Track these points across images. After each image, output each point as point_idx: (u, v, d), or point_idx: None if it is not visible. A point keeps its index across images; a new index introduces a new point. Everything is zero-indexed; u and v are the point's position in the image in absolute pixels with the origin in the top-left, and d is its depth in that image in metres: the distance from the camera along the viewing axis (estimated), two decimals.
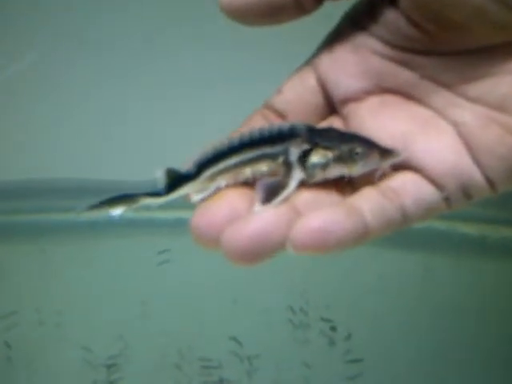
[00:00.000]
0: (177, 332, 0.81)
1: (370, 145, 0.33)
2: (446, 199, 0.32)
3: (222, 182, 0.34)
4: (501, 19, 0.31)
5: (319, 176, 0.33)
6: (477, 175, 0.32)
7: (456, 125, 0.33)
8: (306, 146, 0.33)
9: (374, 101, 0.35)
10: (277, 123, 0.34)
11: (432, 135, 0.33)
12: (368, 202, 0.31)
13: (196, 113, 1.03)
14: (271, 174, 0.33)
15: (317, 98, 0.36)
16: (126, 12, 1.02)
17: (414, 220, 0.32)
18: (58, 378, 0.76)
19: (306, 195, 0.33)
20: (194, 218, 0.31)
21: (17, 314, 0.84)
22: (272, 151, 0.33)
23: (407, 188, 0.32)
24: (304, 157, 0.33)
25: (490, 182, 0.32)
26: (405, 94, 0.34)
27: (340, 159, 0.33)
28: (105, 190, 1.01)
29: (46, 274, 0.92)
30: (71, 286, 0.90)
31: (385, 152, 0.32)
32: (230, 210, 0.32)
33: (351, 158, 0.33)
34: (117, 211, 0.35)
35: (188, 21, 1.01)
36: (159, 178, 0.34)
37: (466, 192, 0.32)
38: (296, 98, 0.36)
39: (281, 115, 0.37)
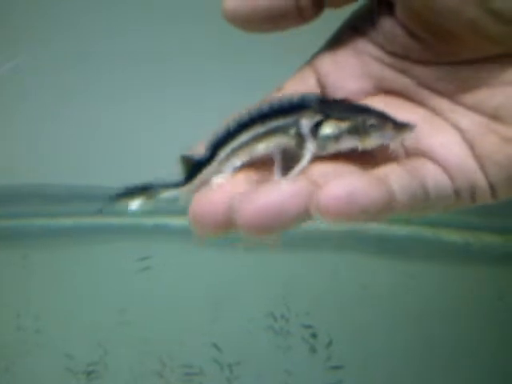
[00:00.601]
0: (157, 339, 0.81)
1: (384, 117, 0.32)
2: (456, 194, 0.32)
3: (236, 160, 0.33)
4: (495, 33, 0.31)
5: (331, 148, 0.32)
6: (481, 178, 0.32)
7: (458, 129, 0.33)
8: (317, 117, 0.32)
9: (374, 101, 0.35)
10: (287, 95, 0.33)
11: (439, 130, 0.33)
12: (394, 175, 0.31)
13: (185, 118, 1.02)
14: (285, 147, 0.32)
15: None
16: (110, 14, 1.02)
17: (432, 204, 0.32)
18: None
19: (323, 167, 0.32)
20: (193, 203, 0.31)
21: None
22: (283, 124, 0.32)
23: (429, 169, 0.32)
24: (316, 129, 0.32)
25: (492, 187, 0.32)
26: (405, 96, 0.35)
27: (353, 131, 0.32)
28: (89, 196, 1.00)
29: (26, 280, 0.92)
30: (52, 292, 0.89)
31: (399, 125, 0.31)
32: (232, 191, 0.31)
33: (364, 129, 0.32)
34: (136, 204, 0.34)
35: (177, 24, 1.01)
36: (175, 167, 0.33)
37: (472, 193, 0.32)
38: None
39: None
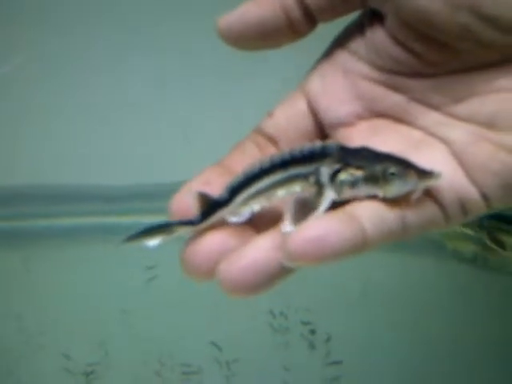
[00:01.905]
0: (157, 338, 0.81)
1: (406, 165, 0.31)
2: (445, 214, 0.32)
3: (255, 205, 0.34)
4: (487, 38, 0.31)
5: (347, 194, 0.32)
6: (472, 191, 0.32)
7: (448, 143, 0.33)
8: (337, 166, 0.32)
9: (364, 125, 0.35)
10: (308, 144, 0.33)
11: (426, 152, 0.33)
12: (368, 210, 0.31)
13: (184, 119, 1.03)
14: (303, 194, 0.33)
15: (308, 123, 0.37)
16: (106, 15, 1.02)
17: (413, 232, 0.32)
18: None
19: None
20: (184, 251, 0.32)
21: None
22: (303, 171, 0.33)
23: (408, 199, 0.32)
24: (335, 177, 0.32)
25: (486, 198, 0.32)
26: (395, 116, 0.35)
27: (372, 179, 0.31)
28: (90, 196, 1.01)
29: (27, 281, 0.92)
30: (53, 294, 0.90)
31: (422, 172, 0.31)
32: (223, 244, 0.32)
33: (384, 178, 0.31)
34: (153, 242, 0.34)
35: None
36: (187, 202, 0.33)
37: (463, 208, 0.32)
38: (286, 122, 0.37)
39: (271, 140, 0.37)
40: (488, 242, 0.90)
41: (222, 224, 0.33)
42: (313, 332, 0.83)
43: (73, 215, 1.04)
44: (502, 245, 0.90)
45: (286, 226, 0.31)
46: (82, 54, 1.02)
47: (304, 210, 0.32)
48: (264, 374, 0.77)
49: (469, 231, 0.91)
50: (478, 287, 0.87)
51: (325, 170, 0.32)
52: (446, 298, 0.85)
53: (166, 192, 0.35)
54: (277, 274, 0.30)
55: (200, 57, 1.01)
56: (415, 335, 0.81)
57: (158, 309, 0.86)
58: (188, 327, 0.83)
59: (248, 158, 0.36)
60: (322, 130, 0.37)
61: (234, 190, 0.33)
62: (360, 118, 0.36)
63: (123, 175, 1.02)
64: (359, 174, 0.32)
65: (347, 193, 0.32)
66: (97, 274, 0.93)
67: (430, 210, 0.32)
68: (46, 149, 1.05)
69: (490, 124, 0.32)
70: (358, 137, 0.35)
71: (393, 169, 0.31)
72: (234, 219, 0.33)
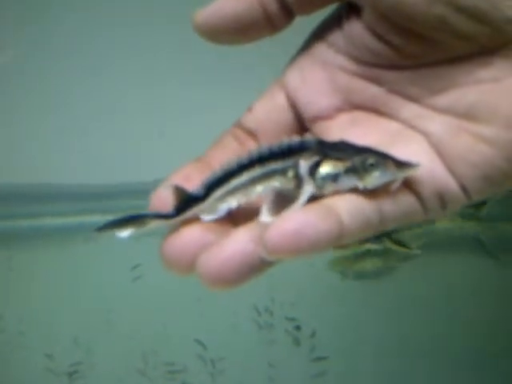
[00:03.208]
0: (141, 337, 0.81)
1: (384, 156, 0.31)
2: (423, 206, 0.32)
3: (232, 201, 0.33)
4: (464, 29, 0.31)
5: (330, 188, 0.31)
6: (451, 183, 0.32)
7: (427, 135, 0.33)
8: (316, 158, 0.32)
9: (344, 118, 0.35)
10: (286, 139, 0.32)
11: (405, 144, 0.33)
12: (346, 202, 0.30)
13: (172, 118, 1.02)
14: (282, 189, 0.32)
15: (287, 117, 0.36)
16: (95, 13, 1.02)
17: (390, 224, 0.31)
18: None
19: None
20: (164, 245, 0.31)
21: None
22: (282, 166, 0.32)
23: (386, 191, 0.31)
24: (314, 170, 0.31)
25: (465, 190, 0.32)
26: (374, 109, 0.34)
27: (352, 171, 0.31)
28: (73, 195, 1.00)
29: (10, 281, 0.91)
30: (36, 294, 0.89)
31: (400, 163, 0.31)
32: (202, 237, 0.31)
33: (364, 169, 0.31)
34: (125, 233, 0.33)
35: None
36: (166, 196, 0.32)
37: (442, 200, 0.32)
38: (266, 116, 0.36)
39: (251, 134, 0.36)
40: (392, 247, 0.90)
41: (198, 220, 0.33)
42: (298, 328, 0.83)
43: (56, 215, 1.04)
44: (404, 244, 0.90)
45: (263, 216, 0.31)
46: (62, 55, 1.01)
47: (283, 202, 0.31)
48: (249, 371, 0.77)
49: (371, 246, 0.91)
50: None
51: (304, 163, 0.32)
52: (434, 291, 0.86)
53: (151, 190, 0.35)
54: (257, 267, 0.29)
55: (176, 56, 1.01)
56: (401, 329, 0.81)
57: (143, 308, 0.86)
58: (172, 326, 0.83)
59: (228, 152, 0.35)
60: (301, 124, 0.36)
61: (211, 186, 0.33)
62: (339, 110, 0.35)
63: (107, 174, 1.02)
64: (338, 165, 0.31)
65: (327, 186, 0.31)
66: (81, 274, 0.92)
67: (407, 201, 0.32)
68: (29, 149, 1.04)
69: (469, 116, 0.32)
70: (337, 129, 0.35)
71: (372, 159, 0.31)
72: (208, 217, 0.33)
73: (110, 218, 0.88)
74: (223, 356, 0.78)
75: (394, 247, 0.89)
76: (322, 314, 0.85)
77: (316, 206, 0.30)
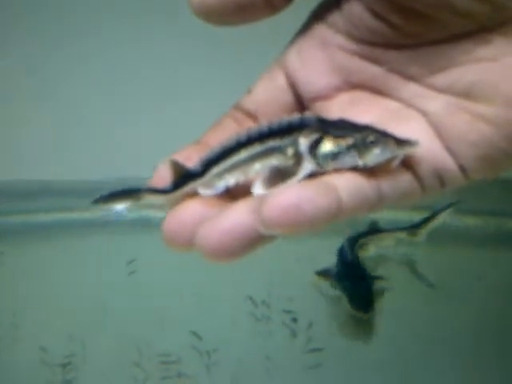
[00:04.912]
0: (136, 330, 0.80)
1: (384, 133, 0.31)
2: (421, 185, 0.32)
3: (230, 179, 0.33)
4: (463, 7, 0.30)
5: (330, 166, 0.31)
6: (450, 163, 0.32)
7: (426, 114, 0.33)
8: (316, 136, 0.31)
9: (343, 98, 0.35)
10: (286, 116, 0.32)
11: (404, 123, 0.33)
12: (344, 180, 0.30)
13: (151, 112, 1.02)
14: (281, 167, 0.32)
15: (287, 97, 0.36)
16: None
17: (388, 203, 0.31)
18: (13, 378, 0.74)
19: None
20: (165, 221, 0.31)
21: None
22: (281, 144, 0.32)
23: (385, 169, 0.31)
24: (314, 147, 0.31)
25: (463, 169, 0.32)
26: (373, 88, 0.34)
27: (352, 148, 0.31)
28: (64, 191, 0.99)
29: (3, 276, 0.91)
30: (30, 288, 0.89)
31: (400, 141, 0.31)
32: (201, 212, 0.31)
33: (364, 146, 0.31)
34: (120, 206, 0.33)
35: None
36: (165, 173, 0.32)
37: (440, 179, 0.32)
38: (266, 97, 0.36)
39: (251, 116, 0.36)
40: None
41: (198, 196, 0.33)
42: (294, 320, 0.83)
43: (48, 211, 1.03)
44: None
45: (256, 188, 0.31)
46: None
47: (278, 177, 0.31)
48: (245, 362, 0.76)
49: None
50: None
51: (303, 141, 0.32)
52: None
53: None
54: (257, 239, 0.29)
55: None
56: (396, 321, 0.81)
57: (138, 301, 0.86)
58: (168, 318, 0.83)
59: (227, 134, 0.34)
60: (301, 104, 0.36)
61: (209, 163, 0.33)
62: (339, 90, 0.35)
63: (102, 170, 1.02)
64: (339, 143, 0.31)
65: (326, 163, 0.31)
66: (76, 269, 0.93)
67: (406, 180, 0.32)
68: (19, 145, 1.04)
69: (468, 94, 0.32)
70: (337, 109, 0.35)
71: (372, 137, 0.31)
72: (207, 192, 0.32)
73: (104, 213, 0.87)
74: (219, 347, 0.78)
75: None
76: (319, 307, 0.85)
77: (315, 182, 0.30)
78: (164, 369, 0.76)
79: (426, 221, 0.95)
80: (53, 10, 1.01)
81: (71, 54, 1.02)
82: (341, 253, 0.91)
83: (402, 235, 0.95)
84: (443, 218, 0.96)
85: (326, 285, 0.88)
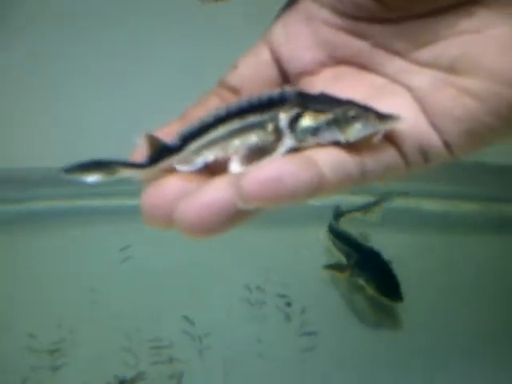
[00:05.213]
0: (128, 315, 0.80)
1: (365, 108, 0.31)
2: (405, 161, 0.32)
3: (209, 155, 0.32)
4: None
5: (310, 141, 0.31)
6: (434, 138, 0.31)
7: (411, 89, 0.32)
8: (296, 111, 0.31)
9: (328, 73, 0.35)
10: (266, 91, 0.32)
11: (388, 98, 0.32)
12: (326, 155, 0.30)
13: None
14: (261, 143, 0.31)
15: (272, 73, 0.36)
16: None
17: (372, 178, 0.31)
18: (1, 364, 0.74)
19: None
20: (143, 197, 0.31)
21: None
22: (261, 119, 0.31)
23: (368, 144, 0.31)
24: (294, 122, 0.31)
25: (448, 145, 0.32)
26: (358, 63, 0.34)
27: (333, 123, 0.30)
28: (57, 179, 0.99)
29: None
30: (19, 274, 0.88)
31: (382, 116, 0.30)
32: (181, 187, 0.31)
33: (346, 121, 0.30)
34: (92, 178, 0.32)
35: None
36: (139, 144, 0.32)
37: (424, 155, 0.32)
38: (251, 73, 0.36)
39: (236, 92, 0.36)
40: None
41: (177, 172, 0.32)
42: (288, 304, 0.82)
43: (42, 198, 1.03)
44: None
45: (233, 165, 0.30)
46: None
47: (258, 154, 0.30)
48: (238, 347, 0.76)
49: None
50: None
51: (284, 116, 0.31)
52: (424, 270, 0.85)
53: None
54: (236, 215, 0.29)
55: None
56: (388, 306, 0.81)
57: (130, 287, 0.85)
58: (160, 304, 0.82)
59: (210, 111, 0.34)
60: (286, 79, 0.36)
61: (187, 138, 0.32)
62: (324, 65, 0.35)
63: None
64: (319, 118, 0.31)
65: (307, 139, 0.31)
66: (68, 256, 0.92)
67: (389, 156, 0.31)
68: (13, 133, 1.03)
69: (452, 68, 0.32)
70: (322, 84, 0.34)
71: (353, 111, 0.30)
72: (184, 168, 0.32)
73: (97, 202, 0.86)
74: (211, 332, 0.78)
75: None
76: (313, 292, 0.85)
77: (296, 157, 0.29)
78: (155, 353, 0.75)
79: (377, 202, 0.95)
80: None
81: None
82: (352, 242, 0.88)
83: (359, 215, 0.95)
84: (390, 200, 0.96)
85: (339, 277, 0.86)
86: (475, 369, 0.72)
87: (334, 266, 0.87)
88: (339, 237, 0.90)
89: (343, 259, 0.87)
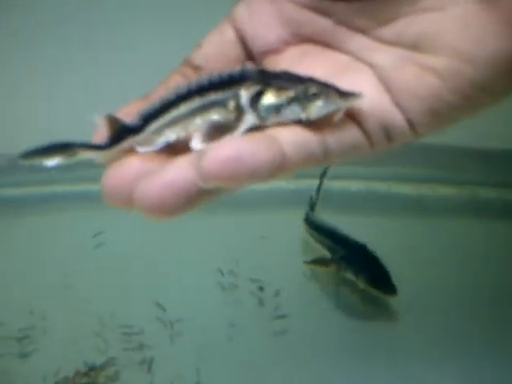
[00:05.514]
0: (99, 301, 0.79)
1: (326, 85, 0.30)
2: (368, 140, 0.31)
3: (170, 134, 0.31)
4: None
5: (273, 119, 0.30)
6: (398, 117, 0.31)
7: (374, 67, 0.32)
8: (257, 88, 0.30)
9: (293, 51, 0.34)
10: (227, 69, 0.31)
11: (352, 76, 0.32)
12: (288, 133, 0.29)
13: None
14: (223, 122, 0.31)
15: (236, 52, 0.36)
16: None
17: (335, 157, 0.30)
18: None
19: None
20: (103, 178, 0.30)
21: None
22: (222, 97, 0.31)
23: (330, 123, 0.30)
24: (255, 99, 0.30)
25: (411, 124, 0.31)
26: (323, 41, 0.34)
27: (294, 100, 0.30)
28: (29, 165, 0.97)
29: None
30: None
31: (343, 93, 0.30)
32: (142, 167, 0.30)
33: (307, 98, 0.30)
34: (51, 162, 0.31)
35: None
36: (99, 125, 0.31)
37: (388, 134, 0.31)
38: (215, 52, 0.36)
39: (200, 70, 0.35)
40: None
41: (135, 153, 0.31)
42: (261, 289, 0.82)
43: (17, 185, 1.01)
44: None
45: (194, 142, 0.29)
46: None
47: (218, 131, 0.30)
48: (210, 331, 0.76)
49: None
50: None
51: (245, 94, 0.30)
52: (401, 254, 0.85)
53: None
54: (198, 194, 0.28)
55: None
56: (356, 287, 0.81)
57: (103, 273, 0.84)
58: (132, 290, 0.81)
59: None
60: (251, 58, 0.36)
61: (147, 117, 0.31)
62: (288, 43, 0.35)
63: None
64: (281, 95, 0.30)
65: (269, 116, 0.30)
66: (40, 243, 0.91)
67: (352, 134, 0.31)
68: None
69: (415, 46, 0.31)
70: (286, 63, 0.34)
71: (314, 89, 0.30)
72: (145, 148, 0.31)
73: (74, 188, 0.85)
74: (183, 317, 0.77)
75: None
76: (286, 275, 0.85)
77: (257, 135, 0.29)
78: (125, 340, 0.75)
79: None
80: None
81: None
82: (336, 235, 0.85)
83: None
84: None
85: (323, 272, 0.84)
86: (457, 351, 0.73)
87: (317, 261, 0.84)
88: (318, 229, 0.88)
89: (323, 251, 0.85)
